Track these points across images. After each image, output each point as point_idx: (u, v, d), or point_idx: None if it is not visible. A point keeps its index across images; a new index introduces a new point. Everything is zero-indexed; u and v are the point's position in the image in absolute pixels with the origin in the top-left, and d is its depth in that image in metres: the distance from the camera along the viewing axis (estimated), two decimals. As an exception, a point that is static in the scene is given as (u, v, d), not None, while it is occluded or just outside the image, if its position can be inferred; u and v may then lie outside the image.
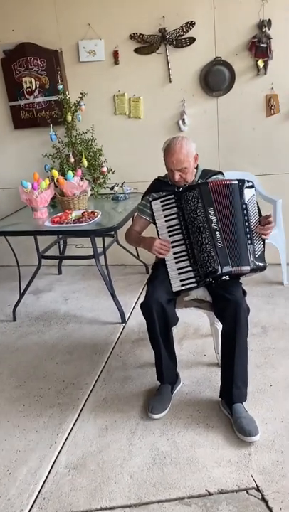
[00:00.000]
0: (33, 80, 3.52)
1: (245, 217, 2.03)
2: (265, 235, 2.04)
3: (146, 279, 3.53)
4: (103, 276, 3.00)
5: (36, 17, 3.41)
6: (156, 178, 2.35)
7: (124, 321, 2.99)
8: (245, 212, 2.03)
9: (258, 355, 2.48)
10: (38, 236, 3.24)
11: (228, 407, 2.03)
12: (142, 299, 2.11)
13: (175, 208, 2.10)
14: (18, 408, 2.27)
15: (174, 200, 2.10)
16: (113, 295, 3.00)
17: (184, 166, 2.13)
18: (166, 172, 2.26)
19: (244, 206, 2.03)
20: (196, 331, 2.80)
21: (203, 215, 2.02)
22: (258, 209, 2.09)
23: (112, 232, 3.45)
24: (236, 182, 2.06)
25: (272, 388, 2.22)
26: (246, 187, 2.06)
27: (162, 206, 2.13)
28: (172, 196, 2.11)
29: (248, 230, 2.03)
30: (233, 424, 1.97)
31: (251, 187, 2.08)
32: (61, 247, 3.84)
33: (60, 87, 3.38)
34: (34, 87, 3.54)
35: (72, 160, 3.43)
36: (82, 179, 3.20)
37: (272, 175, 3.38)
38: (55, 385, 2.42)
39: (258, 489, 1.68)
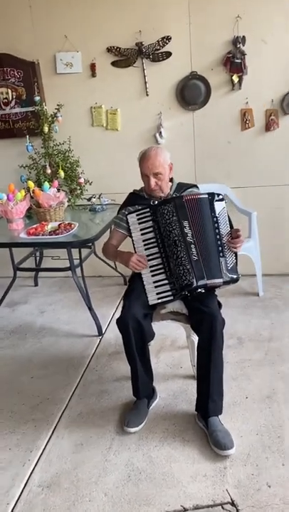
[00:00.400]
0: (9, 90, 3.50)
1: (216, 230, 2.04)
2: (235, 248, 2.07)
3: (123, 291, 3.53)
4: (80, 288, 2.98)
5: (13, 28, 3.40)
6: (132, 191, 2.36)
7: (100, 333, 2.97)
8: (216, 225, 2.05)
9: (233, 367, 2.50)
10: (14, 248, 3.19)
11: (204, 421, 2.02)
12: (119, 311, 2.10)
13: (151, 222, 2.11)
14: (-10, 425, 2.22)
15: (150, 214, 2.11)
16: (90, 308, 2.98)
17: (159, 171, 2.14)
18: (142, 186, 2.28)
19: (215, 219, 2.05)
20: (172, 343, 2.79)
21: (179, 229, 2.03)
22: (230, 221, 2.11)
23: (90, 244, 3.44)
24: (206, 195, 2.07)
25: (247, 400, 2.23)
26: (216, 200, 2.07)
27: (138, 219, 2.14)
28: (148, 210, 2.12)
29: (219, 242, 2.04)
30: (209, 437, 1.96)
31: (221, 200, 2.09)
32: (37, 258, 3.80)
33: (37, 98, 3.38)
34: (10, 98, 3.52)
35: (48, 171, 3.41)
36: (58, 190, 3.19)
37: (247, 188, 3.43)
38: (30, 401, 2.37)
39: (233, 504, 1.68)
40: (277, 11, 3.07)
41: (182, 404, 2.24)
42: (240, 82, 3.22)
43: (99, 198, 3.47)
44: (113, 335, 2.94)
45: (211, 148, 3.43)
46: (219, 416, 2.03)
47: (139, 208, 2.16)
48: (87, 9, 3.27)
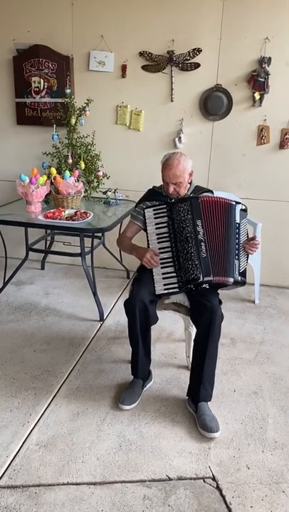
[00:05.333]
0: (42, 80, 3.67)
1: (236, 235, 2.22)
2: (251, 250, 2.24)
3: (126, 284, 3.69)
4: (87, 274, 3.13)
5: (53, 22, 3.58)
6: (152, 187, 2.52)
7: (102, 319, 3.12)
8: (237, 230, 2.23)
9: (225, 363, 2.65)
10: (28, 229, 3.34)
11: (194, 405, 2.18)
12: (120, 301, 2.25)
13: (166, 217, 2.27)
14: (-7, 388, 2.36)
15: (166, 210, 2.27)
16: (95, 293, 3.13)
17: (179, 181, 2.31)
18: (161, 183, 2.44)
19: (237, 225, 2.23)
20: (169, 335, 2.95)
21: (192, 226, 2.19)
22: (247, 231, 2.31)
23: (100, 234, 3.60)
24: (234, 203, 2.26)
25: (235, 393, 2.39)
26: (241, 209, 2.27)
27: (154, 214, 2.30)
28: (164, 206, 2.28)
29: (236, 246, 2.22)
30: (197, 420, 2.12)
31: (245, 211, 2.29)
32: (48, 243, 3.95)
33: (68, 90, 3.55)
34: (42, 88, 3.68)
35: (70, 161, 3.57)
36: (78, 180, 3.35)
37: (255, 200, 3.61)
38: (31, 371, 2.52)
39: (213, 479, 1.83)
40: (304, 38, 3.26)
41: (174, 390, 2.39)
42: (261, 99, 3.40)
43: (114, 192, 3.63)
44: (113, 322, 3.09)
45: (226, 158, 3.60)
46: (208, 403, 2.19)
47: (157, 203, 2.33)
48: (125, 13, 3.45)
